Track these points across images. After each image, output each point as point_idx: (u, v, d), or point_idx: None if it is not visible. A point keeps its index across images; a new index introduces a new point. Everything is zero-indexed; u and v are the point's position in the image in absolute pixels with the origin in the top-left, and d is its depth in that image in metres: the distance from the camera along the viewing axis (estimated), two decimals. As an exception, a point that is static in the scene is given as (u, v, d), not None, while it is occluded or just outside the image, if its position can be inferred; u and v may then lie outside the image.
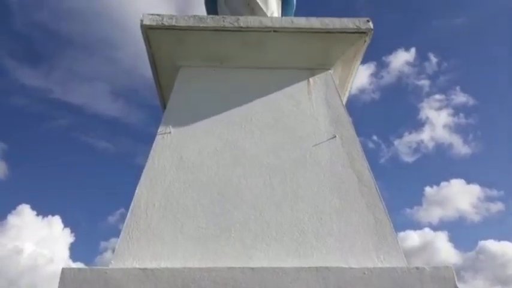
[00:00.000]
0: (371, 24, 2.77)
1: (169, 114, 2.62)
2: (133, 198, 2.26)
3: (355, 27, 2.76)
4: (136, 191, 2.29)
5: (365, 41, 2.83)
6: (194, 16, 2.73)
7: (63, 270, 1.88)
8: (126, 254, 2.06)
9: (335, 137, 2.55)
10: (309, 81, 2.82)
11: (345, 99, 3.24)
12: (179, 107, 2.66)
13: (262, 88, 2.76)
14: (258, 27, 2.73)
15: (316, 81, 2.82)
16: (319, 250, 2.12)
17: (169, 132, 2.53)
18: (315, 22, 2.77)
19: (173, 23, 2.68)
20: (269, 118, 2.64)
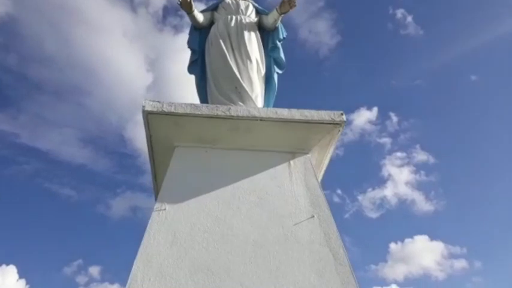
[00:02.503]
0: (344, 117, 3.20)
1: (165, 191, 2.88)
2: (131, 273, 2.46)
3: (330, 119, 3.19)
4: (133, 265, 2.49)
5: (339, 131, 3.25)
6: (191, 104, 3.08)
7: None
8: (124, 329, 2.22)
9: (313, 216, 2.87)
10: (290, 163, 3.18)
11: (320, 177, 3.61)
12: (174, 184, 2.93)
13: (249, 169, 3.09)
14: (246, 116, 3.10)
15: (296, 164, 3.18)
16: (299, 325, 2.36)
17: (165, 209, 2.77)
18: (295, 113, 3.17)
19: (172, 109, 3.01)
20: (255, 197, 2.94)
